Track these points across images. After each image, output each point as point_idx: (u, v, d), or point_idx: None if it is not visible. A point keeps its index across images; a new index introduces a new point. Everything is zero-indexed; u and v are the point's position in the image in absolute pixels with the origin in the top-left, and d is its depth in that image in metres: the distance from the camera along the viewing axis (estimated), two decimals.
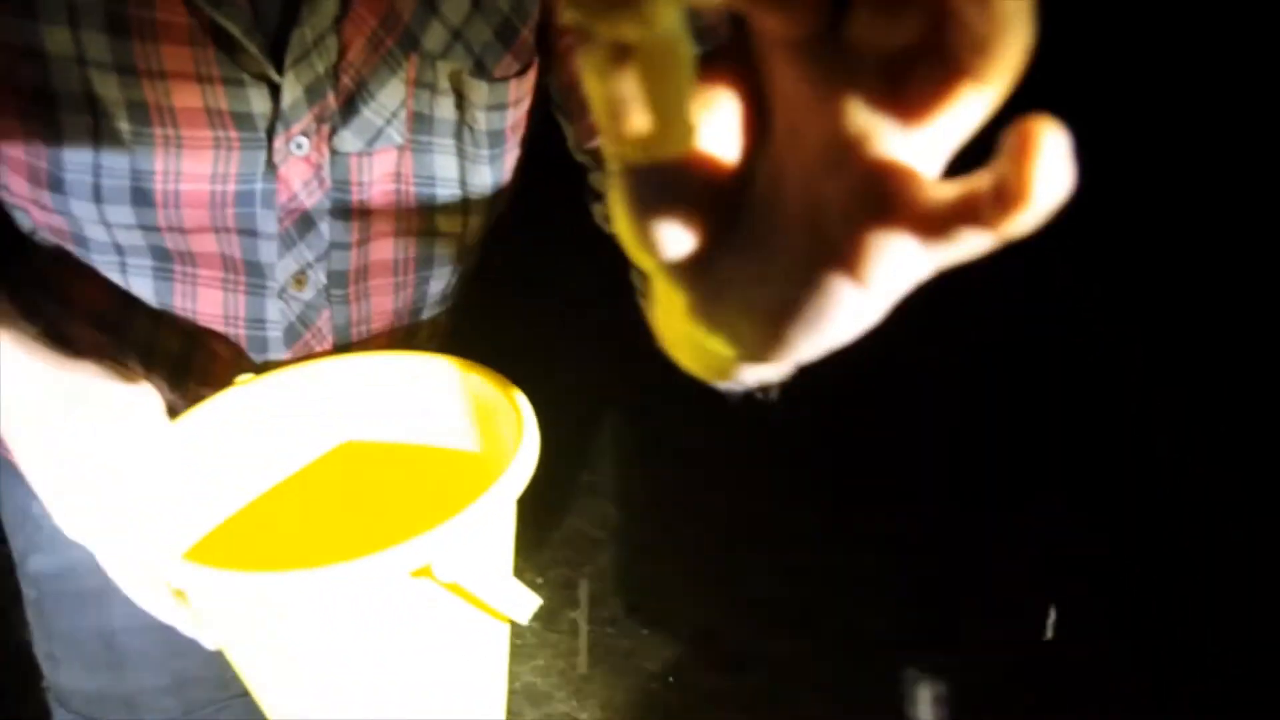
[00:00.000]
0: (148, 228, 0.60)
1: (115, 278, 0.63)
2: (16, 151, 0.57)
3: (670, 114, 0.23)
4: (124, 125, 0.57)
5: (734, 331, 0.26)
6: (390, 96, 0.61)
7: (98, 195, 0.58)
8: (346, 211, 0.64)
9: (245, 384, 0.61)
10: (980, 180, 0.21)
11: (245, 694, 0.87)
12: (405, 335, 0.74)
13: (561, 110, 0.68)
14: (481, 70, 0.63)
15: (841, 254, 0.23)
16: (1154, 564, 1.88)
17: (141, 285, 0.63)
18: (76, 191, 0.58)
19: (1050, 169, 0.20)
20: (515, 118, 0.66)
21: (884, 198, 0.22)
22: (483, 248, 0.74)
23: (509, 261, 0.98)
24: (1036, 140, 0.20)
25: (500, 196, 0.69)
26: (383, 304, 0.70)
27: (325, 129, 0.61)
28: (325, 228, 0.64)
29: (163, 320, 0.66)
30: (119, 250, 0.62)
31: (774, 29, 0.23)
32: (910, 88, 0.22)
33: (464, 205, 0.66)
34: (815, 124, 0.23)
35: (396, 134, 0.62)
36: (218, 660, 0.84)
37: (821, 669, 1.71)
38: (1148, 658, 1.72)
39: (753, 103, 0.25)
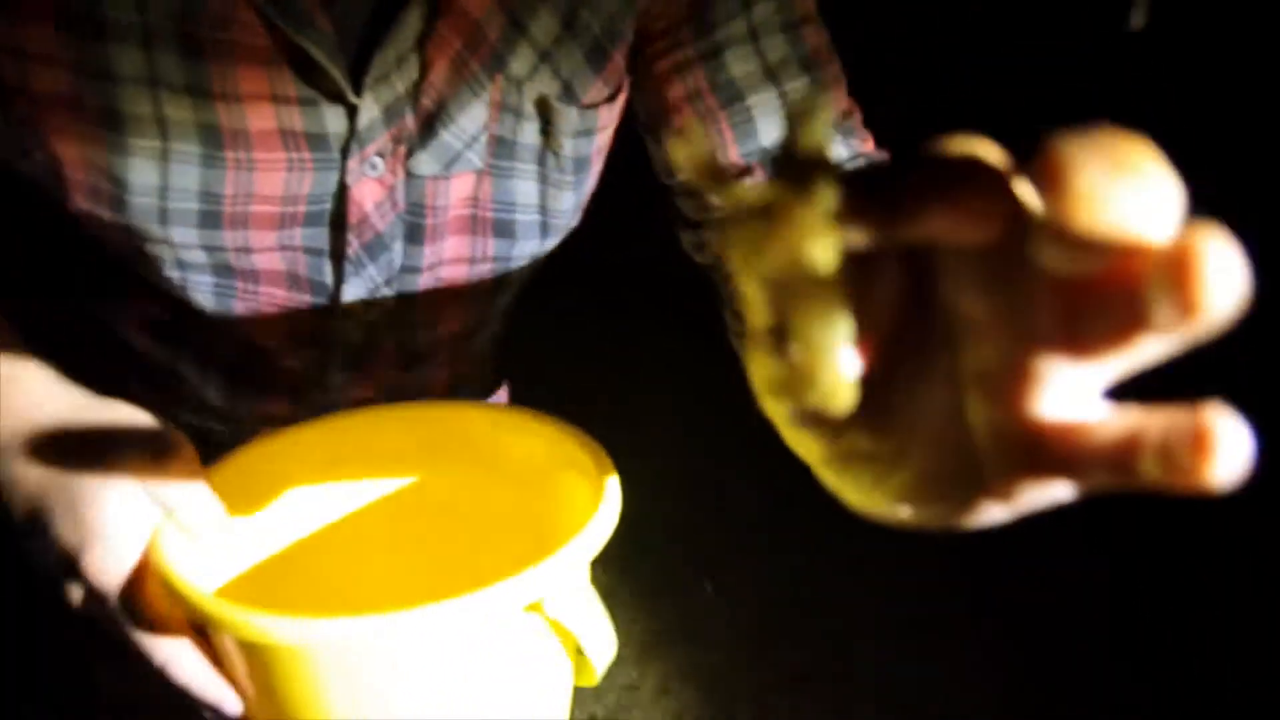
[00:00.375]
0: (213, 248, 0.59)
1: (174, 291, 0.61)
2: (79, 174, 0.55)
3: (824, 361, 0.22)
4: (194, 148, 0.55)
5: (856, 489, 0.26)
6: (471, 120, 0.59)
7: (163, 218, 0.56)
8: (419, 235, 0.62)
9: (293, 431, 0.58)
10: (1148, 424, 0.20)
11: None
12: (465, 349, 0.72)
13: (650, 133, 0.66)
14: (570, 95, 0.61)
15: (990, 484, 0.23)
16: (1158, 571, 1.91)
17: (203, 298, 0.61)
18: (141, 213, 0.56)
19: (1230, 460, 0.19)
20: (601, 142, 0.64)
21: (1043, 453, 0.22)
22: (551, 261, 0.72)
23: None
24: (1212, 430, 0.19)
25: (577, 216, 0.67)
26: (449, 327, 0.69)
27: (402, 150, 0.59)
28: (397, 251, 0.62)
29: (221, 331, 0.64)
30: (180, 266, 0.59)
31: (953, 232, 0.22)
32: (1089, 323, 0.20)
33: (542, 229, 0.64)
34: (978, 339, 0.23)
35: (476, 158, 0.60)
36: None
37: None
38: (1151, 665, 1.75)
39: (910, 301, 0.25)
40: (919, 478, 0.25)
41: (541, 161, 0.62)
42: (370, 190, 0.59)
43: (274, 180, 0.57)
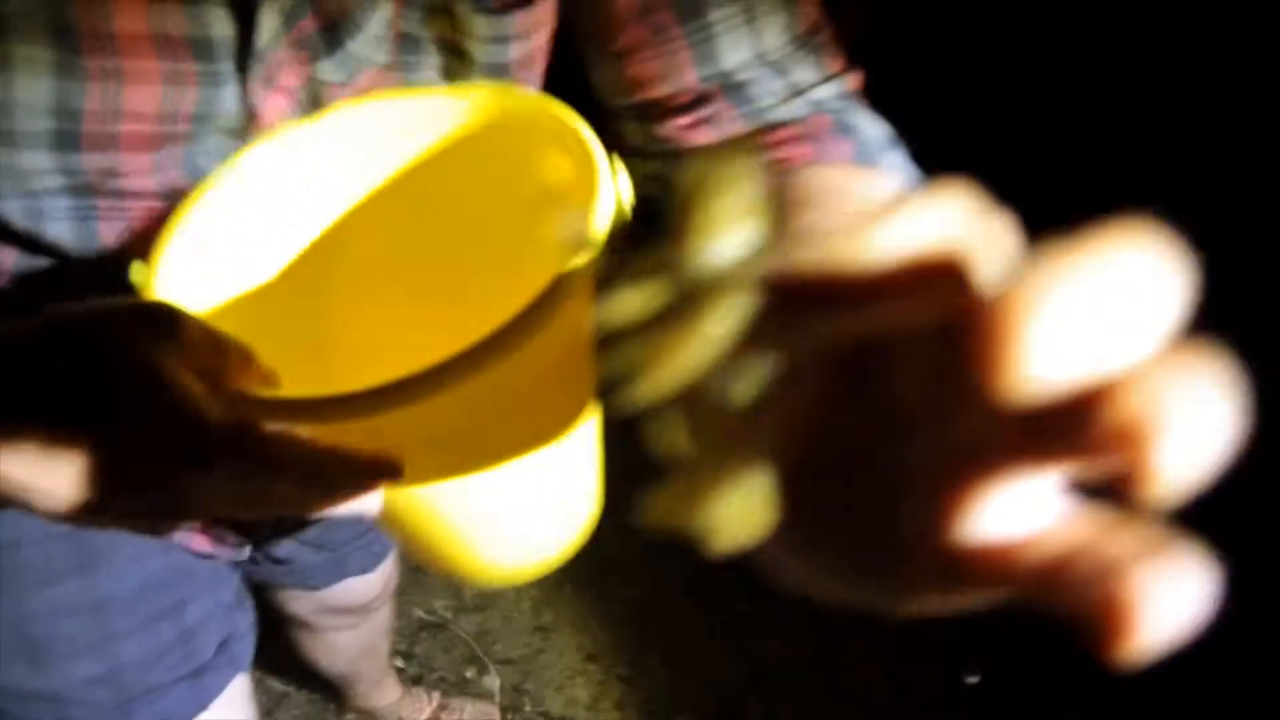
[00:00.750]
0: (71, 171, 0.51)
1: (21, 222, 0.54)
2: None
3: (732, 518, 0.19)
4: (44, 53, 0.47)
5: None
6: (376, 21, 0.52)
7: (10, 140, 0.49)
8: None
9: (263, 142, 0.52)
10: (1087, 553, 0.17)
11: (185, 678, 0.81)
12: None
13: (591, 49, 0.57)
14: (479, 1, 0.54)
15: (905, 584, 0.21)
16: None
17: (59, 229, 0.54)
18: None
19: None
20: (522, 51, 0.57)
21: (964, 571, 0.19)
22: None
23: None
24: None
25: None
26: None
27: (305, 55, 0.52)
28: None
29: (86, 268, 0.56)
30: (31, 195, 0.52)
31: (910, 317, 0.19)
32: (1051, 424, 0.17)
33: None
34: (922, 431, 0.20)
35: (381, 56, 0.54)
36: (154, 641, 0.77)
37: None
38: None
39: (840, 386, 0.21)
40: (837, 559, 0.22)
41: (449, 59, 0.55)
42: (275, 104, 0.53)
43: (147, 95, 0.49)
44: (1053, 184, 2.33)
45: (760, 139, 0.53)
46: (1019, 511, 0.18)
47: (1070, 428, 0.16)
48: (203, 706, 0.80)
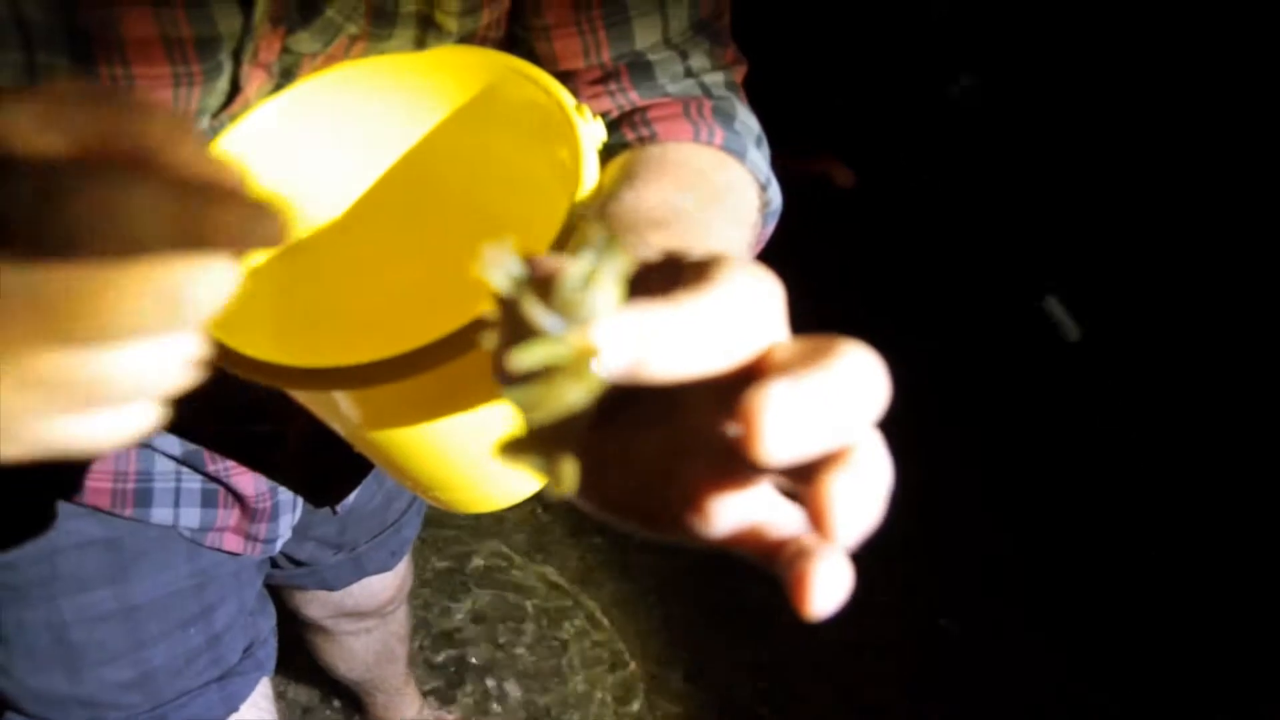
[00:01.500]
0: None
1: None
2: None
3: (563, 468, 0.28)
4: (63, 60, 0.48)
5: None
6: None
7: None
8: None
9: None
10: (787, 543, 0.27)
11: (214, 682, 0.82)
12: None
13: (519, 22, 0.60)
14: None
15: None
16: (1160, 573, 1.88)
17: None
18: None
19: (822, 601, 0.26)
20: (492, 17, 0.59)
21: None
22: None
23: None
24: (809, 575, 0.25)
25: None
26: None
27: (281, 29, 0.54)
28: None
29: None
30: None
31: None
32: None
33: None
34: (692, 414, 0.29)
35: (354, 26, 0.56)
36: (184, 646, 0.78)
37: None
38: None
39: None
40: (618, 492, 0.31)
41: (422, 31, 0.57)
42: (256, 79, 0.54)
43: (159, 100, 0.51)
44: (1052, 182, 2.36)
45: (645, 113, 0.58)
46: (756, 500, 0.28)
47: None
48: (232, 709, 0.82)
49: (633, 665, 1.66)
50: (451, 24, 0.57)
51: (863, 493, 0.24)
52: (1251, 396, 2.01)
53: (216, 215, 0.23)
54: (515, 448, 0.28)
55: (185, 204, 0.22)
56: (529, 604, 1.74)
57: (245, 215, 0.23)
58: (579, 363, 0.25)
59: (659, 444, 0.30)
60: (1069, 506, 1.89)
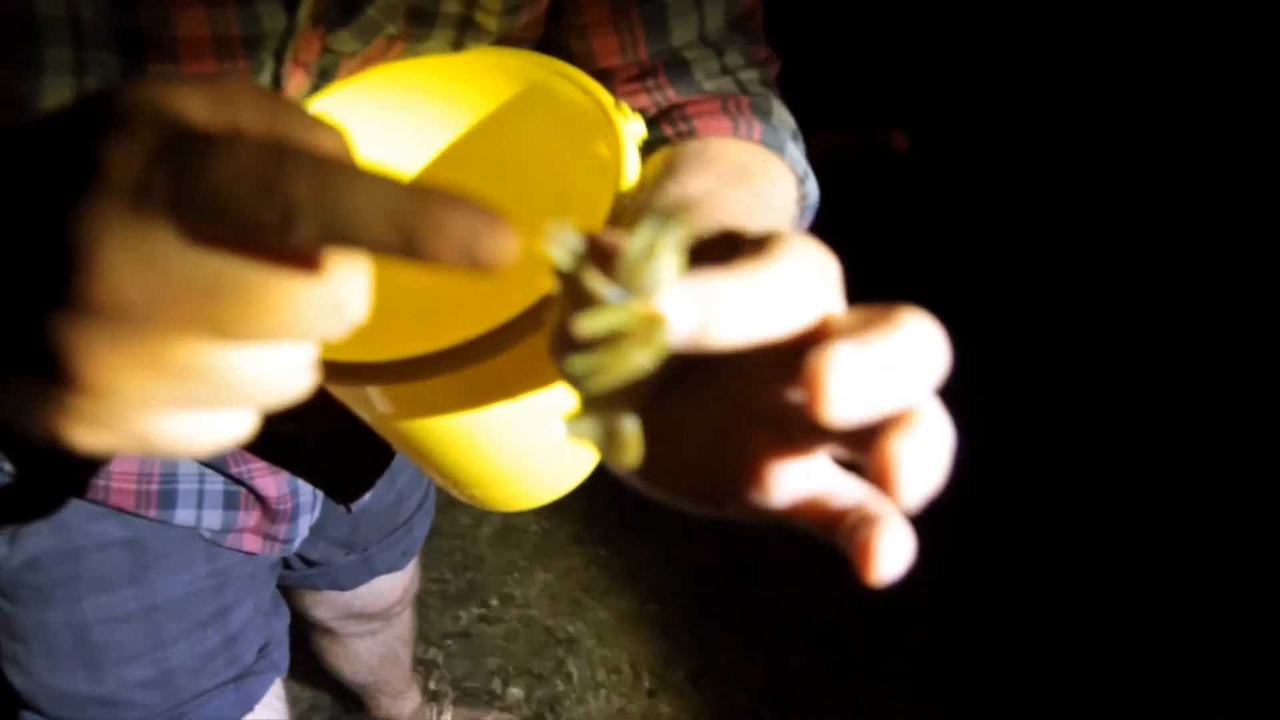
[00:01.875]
0: None
1: None
2: None
3: (625, 441, 0.29)
4: (113, 58, 0.48)
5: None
6: None
7: None
8: None
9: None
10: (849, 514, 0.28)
11: (230, 682, 0.83)
12: None
13: (557, 23, 0.61)
14: None
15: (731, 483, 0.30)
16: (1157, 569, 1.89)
17: None
18: None
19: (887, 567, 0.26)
20: (531, 16, 0.60)
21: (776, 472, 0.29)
22: None
23: None
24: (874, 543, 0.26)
25: None
26: None
27: (321, 29, 0.54)
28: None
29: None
30: None
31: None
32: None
33: None
34: (755, 384, 0.29)
35: (393, 26, 0.57)
36: (202, 646, 0.78)
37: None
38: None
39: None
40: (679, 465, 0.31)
41: (460, 32, 0.58)
42: (296, 80, 0.55)
43: None
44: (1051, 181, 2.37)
45: (683, 109, 0.59)
46: (816, 470, 0.29)
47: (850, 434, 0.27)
48: (248, 709, 0.82)
49: (635, 668, 1.67)
50: (492, 24, 0.57)
51: (927, 454, 0.25)
52: (1252, 397, 2.02)
53: (445, 221, 0.21)
54: (578, 421, 0.29)
55: (412, 203, 0.21)
56: (531, 610, 1.74)
57: (476, 226, 0.21)
58: (644, 329, 0.26)
59: (717, 415, 0.30)
60: (1068, 509, 1.90)
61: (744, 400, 0.29)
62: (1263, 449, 1.94)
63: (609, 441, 0.29)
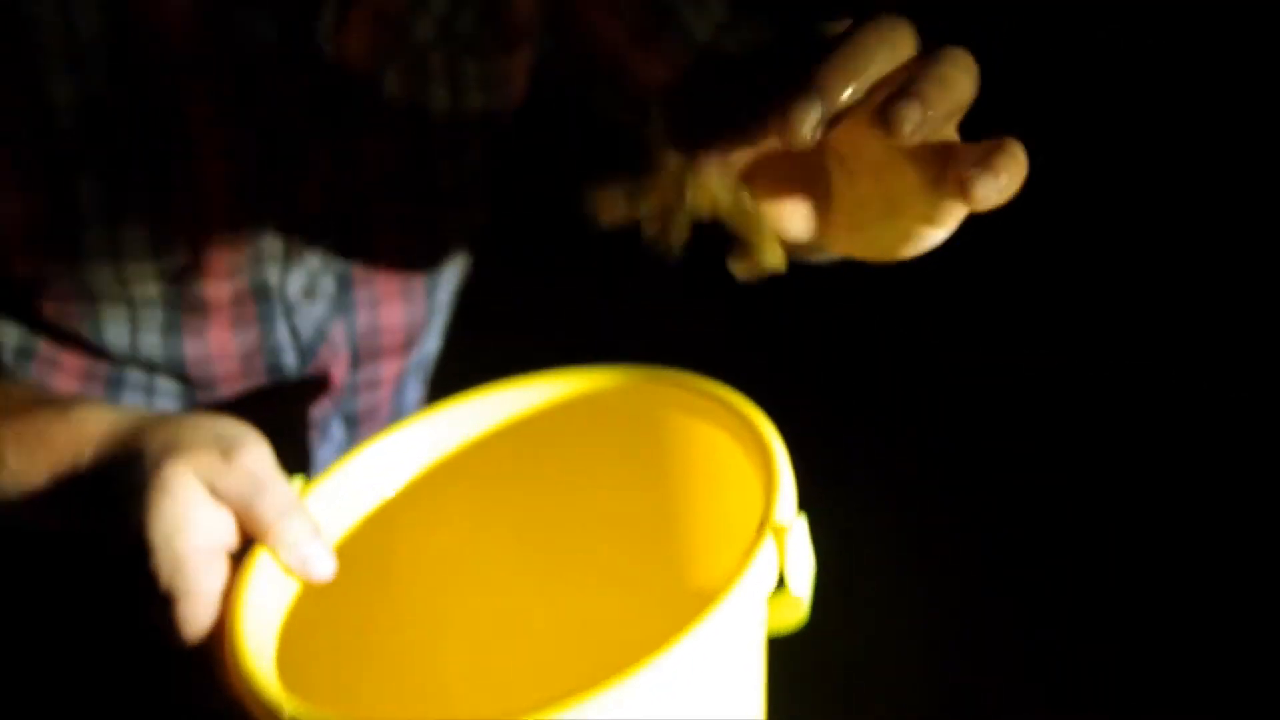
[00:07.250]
0: (179, 376, 0.64)
1: (121, 332, 0.62)
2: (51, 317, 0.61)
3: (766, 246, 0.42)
4: (159, 313, 0.61)
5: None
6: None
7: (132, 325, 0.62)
8: (347, 213, 0.63)
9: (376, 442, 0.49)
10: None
11: None
12: (417, 339, 0.72)
13: (591, 73, 0.67)
14: (471, 51, 0.62)
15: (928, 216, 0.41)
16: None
17: (148, 338, 0.63)
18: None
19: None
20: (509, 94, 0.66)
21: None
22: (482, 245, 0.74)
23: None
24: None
25: (489, 181, 0.69)
26: (392, 307, 0.68)
27: None
28: (329, 229, 0.63)
29: (167, 367, 0.64)
30: (131, 319, 0.62)
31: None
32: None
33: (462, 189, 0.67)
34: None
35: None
36: None
37: None
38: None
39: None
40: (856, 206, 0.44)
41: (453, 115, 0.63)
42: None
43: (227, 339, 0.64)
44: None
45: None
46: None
47: None
48: None
49: None
50: (478, 101, 0.64)
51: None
52: (1252, 396, 2.02)
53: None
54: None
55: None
56: None
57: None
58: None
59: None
60: (1068, 512, 1.91)
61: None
62: (1263, 449, 1.94)
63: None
